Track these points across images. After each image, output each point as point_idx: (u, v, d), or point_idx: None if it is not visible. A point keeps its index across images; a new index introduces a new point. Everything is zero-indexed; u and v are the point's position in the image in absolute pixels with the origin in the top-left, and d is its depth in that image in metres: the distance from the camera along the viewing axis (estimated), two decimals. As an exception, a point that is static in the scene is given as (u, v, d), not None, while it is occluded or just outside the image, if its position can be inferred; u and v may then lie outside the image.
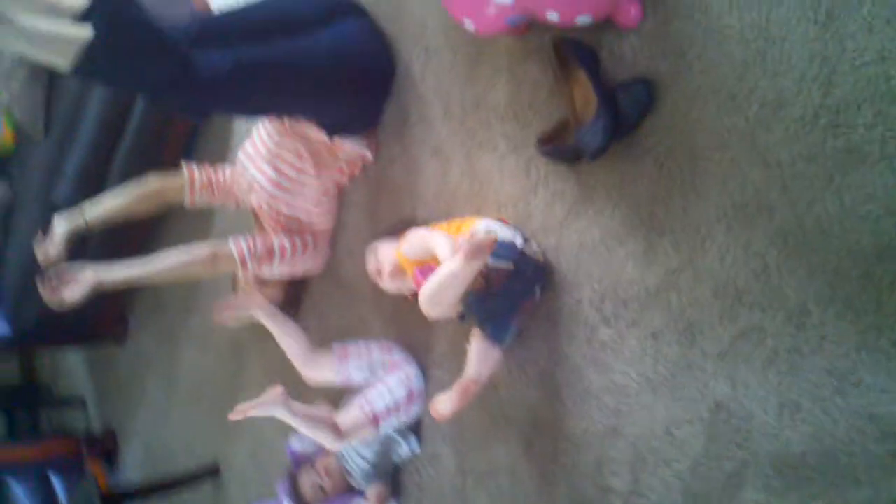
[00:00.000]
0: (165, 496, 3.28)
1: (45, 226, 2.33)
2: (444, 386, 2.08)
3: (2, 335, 3.41)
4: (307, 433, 1.97)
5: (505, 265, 1.74)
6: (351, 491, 2.26)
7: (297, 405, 1.97)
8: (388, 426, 2.09)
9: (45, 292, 2.15)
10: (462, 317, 1.78)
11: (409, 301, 2.07)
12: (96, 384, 4.22)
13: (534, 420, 1.87)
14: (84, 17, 1.82)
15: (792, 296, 1.40)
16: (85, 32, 1.72)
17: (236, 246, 2.28)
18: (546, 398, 1.84)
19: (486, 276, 1.73)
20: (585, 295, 1.74)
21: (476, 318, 1.78)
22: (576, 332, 1.77)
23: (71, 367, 4.52)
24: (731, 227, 1.47)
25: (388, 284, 2.04)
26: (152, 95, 1.92)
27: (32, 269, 3.15)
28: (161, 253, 2.24)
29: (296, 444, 2.40)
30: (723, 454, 1.51)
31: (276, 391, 1.95)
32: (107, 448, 3.93)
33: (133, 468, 3.83)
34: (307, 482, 2.28)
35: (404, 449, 2.16)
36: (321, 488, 2.26)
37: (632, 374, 1.66)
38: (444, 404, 1.75)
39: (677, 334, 1.56)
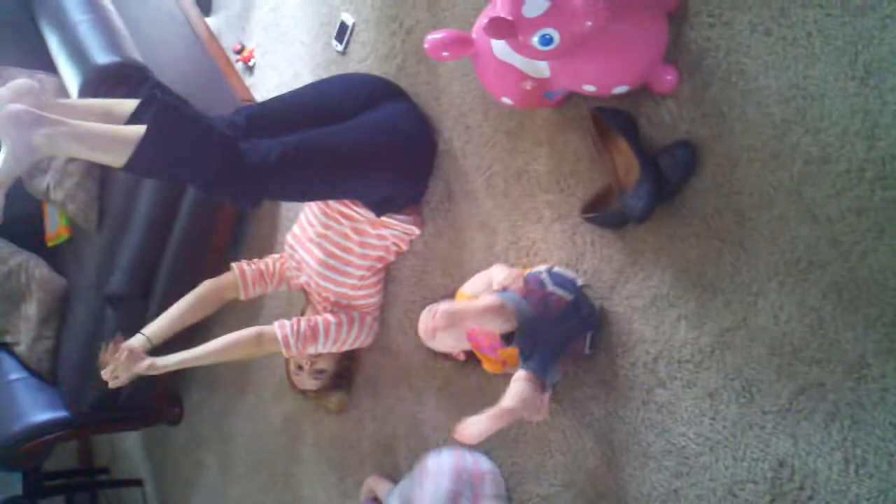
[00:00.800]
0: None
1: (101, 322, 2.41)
2: (505, 454, 2.09)
3: (60, 418, 3.47)
4: None
5: (564, 293, 1.77)
6: None
7: None
8: None
9: (104, 373, 2.27)
10: (507, 339, 1.72)
11: (462, 360, 2.10)
12: (153, 464, 4.26)
13: (593, 485, 1.86)
14: (136, 116, 1.91)
15: (850, 349, 1.39)
16: (138, 131, 1.81)
17: (280, 329, 2.36)
18: (604, 463, 1.83)
19: (546, 300, 1.75)
20: (639, 357, 1.74)
21: (524, 342, 1.69)
22: (631, 395, 1.77)
23: (128, 449, 4.57)
24: (784, 283, 1.47)
25: (441, 341, 1.90)
26: (204, 187, 2.00)
27: (88, 357, 3.24)
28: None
29: None
30: (789, 513, 1.49)
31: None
32: (165, 528, 3.96)
33: (191, 546, 3.84)
34: None
35: None
36: None
37: (690, 435, 1.65)
38: (474, 427, 1.65)
39: (735, 393, 1.56)
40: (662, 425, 1.70)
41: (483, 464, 2.09)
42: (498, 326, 1.72)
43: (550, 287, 1.79)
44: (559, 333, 1.74)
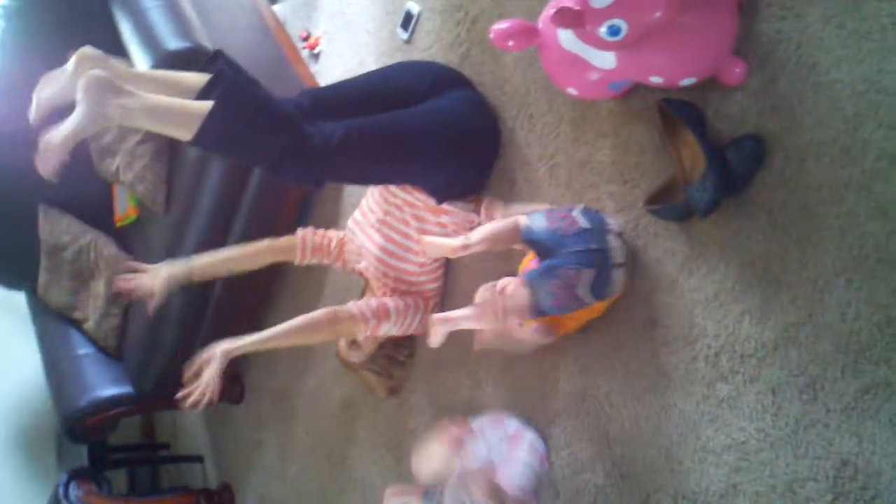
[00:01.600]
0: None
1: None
2: (561, 442, 2.10)
3: (125, 394, 3.57)
4: None
5: (581, 220, 1.81)
6: None
7: None
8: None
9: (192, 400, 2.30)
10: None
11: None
12: (213, 441, 4.34)
13: (651, 477, 1.86)
14: (205, 92, 1.96)
15: (918, 349, 1.37)
16: (206, 107, 1.85)
17: (356, 307, 2.36)
18: (662, 455, 1.83)
19: (563, 219, 1.82)
20: (700, 351, 1.74)
21: (526, 240, 1.87)
22: (691, 389, 1.76)
23: (189, 426, 4.67)
24: (852, 280, 1.45)
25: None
26: (268, 166, 2.03)
27: (153, 335, 3.32)
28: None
29: None
30: (850, 512, 1.47)
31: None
32: (223, 502, 4.02)
33: (249, 522, 3.93)
34: None
35: None
36: None
37: (751, 431, 1.64)
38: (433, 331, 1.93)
39: (798, 390, 1.55)
40: (723, 420, 1.69)
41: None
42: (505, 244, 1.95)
43: (575, 212, 1.84)
44: (561, 249, 1.79)
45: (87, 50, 1.94)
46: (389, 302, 2.40)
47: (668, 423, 1.82)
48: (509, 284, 1.99)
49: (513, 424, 2.16)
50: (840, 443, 1.49)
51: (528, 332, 1.91)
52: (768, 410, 1.60)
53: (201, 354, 2.30)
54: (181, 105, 1.88)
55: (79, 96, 1.82)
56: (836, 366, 1.49)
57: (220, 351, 2.30)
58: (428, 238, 2.02)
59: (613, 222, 1.86)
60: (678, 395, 1.79)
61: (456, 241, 1.95)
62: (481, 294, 2.08)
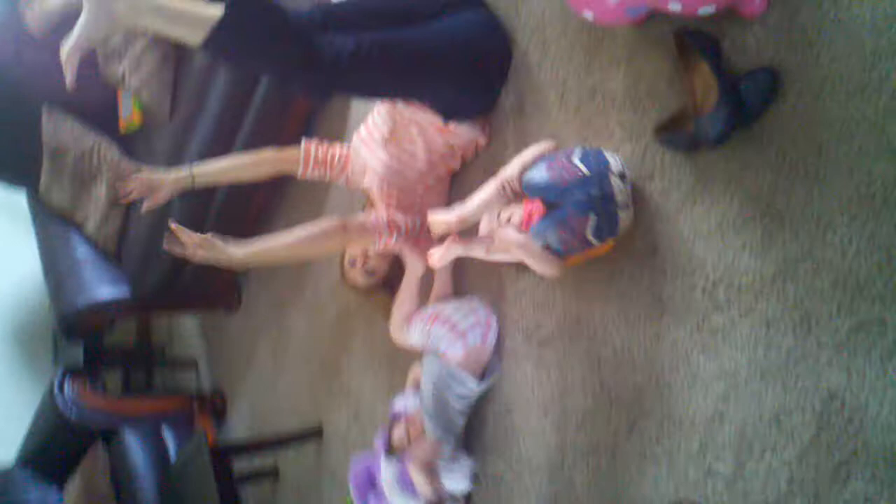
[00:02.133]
0: (270, 453, 3.43)
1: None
2: (552, 364, 2.14)
3: (122, 297, 3.61)
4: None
5: (581, 167, 1.80)
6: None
7: None
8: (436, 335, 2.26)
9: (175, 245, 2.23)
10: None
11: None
12: (208, 347, 4.40)
13: (639, 402, 1.90)
14: None
15: (916, 290, 1.39)
16: (216, 11, 1.83)
17: (366, 217, 2.37)
18: (652, 381, 1.87)
19: (563, 168, 1.82)
20: (699, 282, 1.76)
21: (528, 191, 1.88)
22: (686, 318, 1.79)
23: (185, 331, 4.72)
24: (856, 217, 1.46)
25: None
26: (277, 76, 2.02)
27: (152, 241, 3.33)
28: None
29: (398, 403, 2.47)
30: (833, 444, 1.51)
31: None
32: (216, 407, 4.10)
33: (240, 426, 3.99)
34: (397, 434, 2.36)
35: (466, 387, 2.25)
36: (407, 438, 2.32)
37: (742, 361, 1.67)
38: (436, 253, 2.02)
39: (792, 324, 1.57)
40: (715, 349, 1.72)
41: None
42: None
43: (575, 158, 1.82)
44: (563, 198, 1.81)
45: None
46: (398, 216, 2.41)
47: (660, 351, 1.85)
48: (514, 214, 2.02)
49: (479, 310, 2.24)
50: (829, 377, 1.51)
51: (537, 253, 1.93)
52: (761, 342, 1.63)
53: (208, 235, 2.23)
54: (193, 8, 1.85)
55: (85, 2, 1.78)
56: (832, 302, 1.51)
57: (226, 253, 2.22)
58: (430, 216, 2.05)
59: (615, 162, 1.84)
60: (672, 323, 1.82)
61: (450, 215, 1.97)
62: (486, 225, 2.10)
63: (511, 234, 1.91)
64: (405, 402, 2.47)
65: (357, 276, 2.64)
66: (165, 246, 2.20)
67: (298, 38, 1.96)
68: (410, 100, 2.27)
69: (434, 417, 2.22)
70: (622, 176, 1.82)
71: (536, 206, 1.97)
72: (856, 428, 1.47)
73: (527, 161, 1.92)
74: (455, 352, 2.22)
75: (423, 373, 2.28)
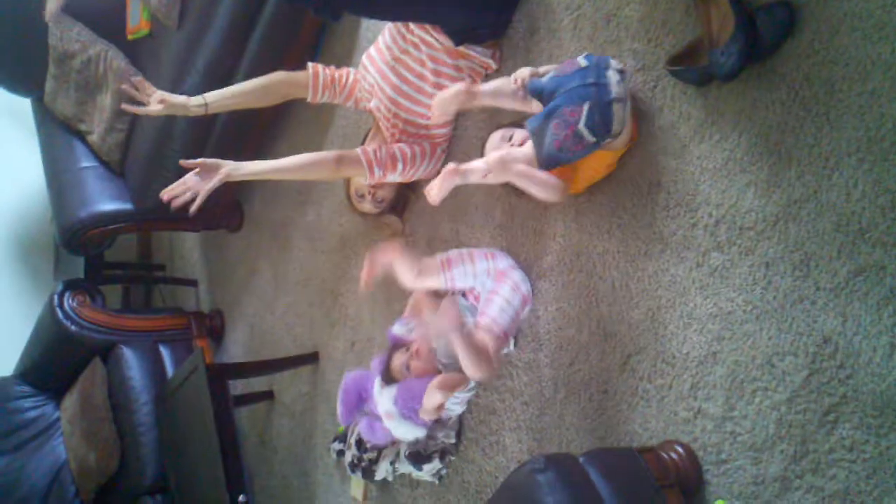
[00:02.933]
0: (266, 374, 3.45)
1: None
2: (550, 298, 2.13)
3: (125, 210, 3.60)
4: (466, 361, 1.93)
5: (582, 61, 1.80)
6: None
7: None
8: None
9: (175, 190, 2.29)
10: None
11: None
12: (209, 267, 4.40)
13: (634, 339, 1.89)
14: None
15: (918, 235, 1.37)
16: None
17: (363, 154, 2.35)
18: (648, 318, 1.86)
19: (563, 66, 1.83)
20: (700, 219, 1.73)
21: (532, 91, 1.88)
22: (686, 255, 1.77)
23: (186, 251, 4.72)
24: (864, 160, 1.43)
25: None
26: None
27: (156, 153, 3.31)
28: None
29: (397, 329, 2.44)
30: (823, 389, 1.50)
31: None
32: (214, 326, 4.11)
33: (237, 347, 4.02)
34: (397, 361, 2.33)
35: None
36: (407, 367, 2.30)
37: (738, 302, 1.66)
38: (433, 188, 1.93)
39: (792, 266, 1.55)
40: (712, 288, 1.71)
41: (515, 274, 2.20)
42: (514, 104, 1.93)
43: (579, 57, 1.82)
44: (559, 90, 1.80)
45: None
46: (397, 150, 2.39)
47: (657, 287, 1.83)
48: (517, 132, 1.99)
49: (503, 262, 2.20)
50: (824, 321, 1.50)
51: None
52: (759, 283, 1.62)
53: (206, 160, 2.27)
54: None
55: None
56: (833, 245, 1.49)
57: (224, 169, 2.27)
58: (436, 97, 2.02)
59: (616, 62, 1.80)
60: (672, 260, 1.80)
61: (460, 85, 1.95)
62: (492, 142, 2.07)
63: (508, 154, 1.87)
64: (405, 329, 2.46)
65: (366, 206, 2.62)
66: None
67: None
68: (423, 21, 2.23)
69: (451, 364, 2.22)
70: (621, 72, 1.79)
71: None
72: (847, 373, 1.47)
73: (541, 70, 1.92)
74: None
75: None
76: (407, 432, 2.30)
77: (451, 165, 1.89)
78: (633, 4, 1.89)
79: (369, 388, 2.41)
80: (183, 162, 2.26)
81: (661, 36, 1.83)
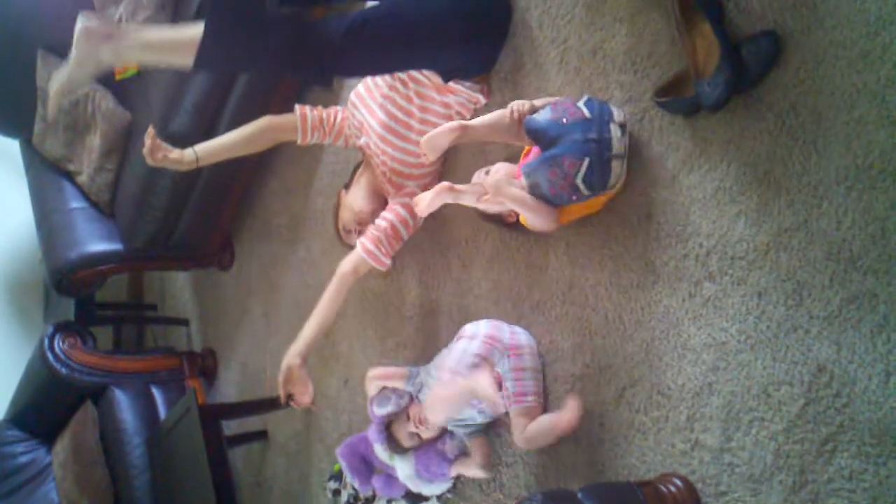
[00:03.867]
0: (259, 414, 3.42)
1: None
2: (543, 331, 2.12)
3: (115, 250, 3.58)
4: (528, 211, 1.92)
5: (583, 110, 1.80)
6: (442, 439, 2.30)
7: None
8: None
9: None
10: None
11: (512, 220, 2.09)
12: (200, 307, 4.38)
13: (628, 371, 1.88)
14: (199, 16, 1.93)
15: (910, 263, 1.37)
16: (197, 31, 1.84)
17: (368, 255, 2.40)
18: (642, 350, 1.85)
19: (567, 109, 1.82)
20: (692, 249, 1.73)
21: (528, 132, 1.87)
22: (678, 286, 1.76)
23: (177, 290, 4.70)
24: (852, 188, 1.44)
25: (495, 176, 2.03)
26: (273, 74, 2.02)
27: (145, 193, 3.30)
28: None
29: (377, 410, 2.33)
30: (820, 418, 1.49)
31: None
32: (206, 366, 4.08)
33: (229, 387, 3.98)
34: (402, 432, 2.28)
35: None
36: (418, 436, 2.27)
37: (732, 332, 1.65)
38: (424, 198, 1.94)
39: (784, 295, 1.55)
40: (706, 319, 1.70)
41: (521, 338, 2.12)
42: (507, 138, 1.95)
43: (580, 103, 1.83)
44: (561, 139, 1.79)
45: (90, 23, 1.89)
46: (396, 221, 2.41)
47: (651, 319, 1.83)
48: (501, 167, 2.00)
49: (507, 331, 2.17)
50: (819, 350, 1.50)
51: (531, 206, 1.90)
52: (752, 313, 1.61)
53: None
54: (174, 34, 1.89)
55: (73, 47, 1.83)
56: (824, 273, 1.48)
57: (287, 362, 2.51)
58: (426, 136, 2.00)
59: (618, 113, 1.83)
60: (664, 291, 1.79)
61: (453, 123, 1.94)
62: (476, 177, 2.08)
63: (504, 177, 1.88)
64: (384, 409, 2.36)
65: (354, 241, 2.61)
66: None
67: (286, 36, 1.95)
68: (411, 69, 2.25)
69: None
70: (622, 126, 1.80)
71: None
72: (843, 402, 1.46)
73: (537, 104, 1.92)
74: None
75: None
76: (434, 489, 2.32)
77: (445, 183, 1.90)
78: (619, 37, 1.91)
79: (369, 451, 2.40)
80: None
81: (647, 67, 1.84)
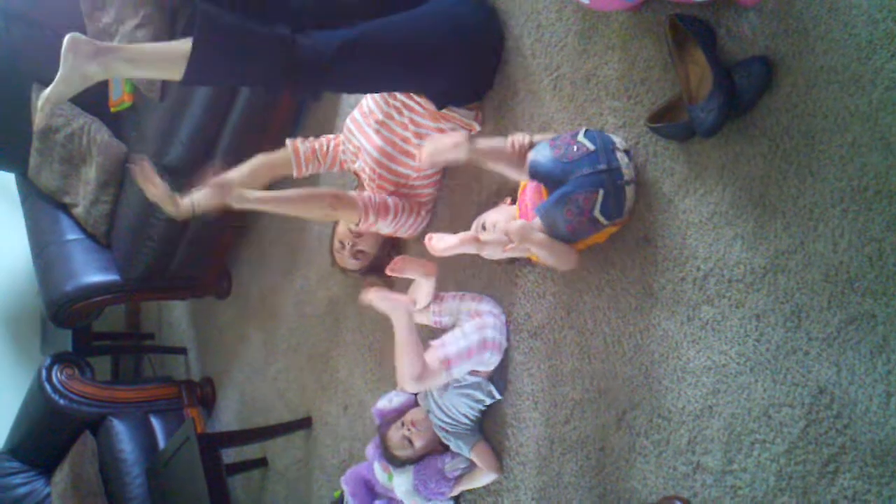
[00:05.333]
0: (258, 442, 3.41)
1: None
2: (542, 355, 2.12)
3: (112, 281, 3.58)
4: (402, 354, 1.96)
5: (587, 143, 1.79)
6: (440, 450, 2.32)
7: (415, 327, 1.99)
8: (460, 372, 2.11)
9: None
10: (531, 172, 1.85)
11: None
12: (198, 335, 4.37)
13: (628, 394, 1.88)
14: (188, 32, 1.94)
15: (907, 283, 1.37)
16: (186, 46, 1.85)
17: (359, 195, 2.34)
18: (641, 373, 1.85)
19: (569, 145, 1.81)
20: (689, 273, 1.74)
21: (534, 174, 1.85)
22: (677, 309, 1.77)
23: (175, 319, 4.70)
24: (848, 210, 1.45)
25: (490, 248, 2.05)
26: (262, 87, 2.03)
27: (142, 224, 3.31)
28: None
29: (381, 403, 2.47)
30: (821, 439, 1.49)
31: (408, 299, 1.98)
32: (205, 395, 4.07)
33: (228, 415, 3.97)
34: (395, 437, 2.34)
35: (482, 396, 2.21)
36: (409, 441, 2.31)
37: (731, 354, 1.65)
38: (442, 240, 1.93)
39: (783, 317, 1.55)
40: (705, 342, 1.71)
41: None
42: (508, 169, 1.91)
43: (580, 136, 1.81)
44: (569, 176, 1.77)
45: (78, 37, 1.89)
46: (389, 200, 2.40)
47: (650, 342, 1.83)
48: (487, 216, 2.01)
49: (485, 305, 2.22)
50: (819, 371, 1.50)
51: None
52: (751, 335, 1.62)
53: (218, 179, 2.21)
54: (163, 48, 1.90)
55: (61, 61, 1.84)
56: (822, 295, 1.49)
57: (234, 193, 2.16)
58: (427, 141, 1.93)
59: (620, 140, 1.83)
60: (663, 315, 1.80)
61: (458, 136, 1.88)
62: (474, 228, 2.08)
63: (527, 224, 1.85)
64: (389, 403, 2.44)
65: (346, 259, 2.62)
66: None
67: (275, 49, 1.95)
68: (403, 90, 2.25)
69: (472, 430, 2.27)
70: (627, 152, 1.82)
71: (528, 199, 1.96)
72: (844, 423, 1.46)
73: (536, 139, 1.91)
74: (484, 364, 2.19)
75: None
76: None
77: (471, 233, 1.91)
78: (612, 63, 1.92)
79: (371, 477, 2.41)
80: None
81: (640, 93, 1.86)
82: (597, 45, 1.96)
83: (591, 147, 1.78)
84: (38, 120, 2.01)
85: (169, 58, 1.87)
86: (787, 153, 1.55)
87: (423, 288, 2.26)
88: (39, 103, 1.90)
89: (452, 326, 2.22)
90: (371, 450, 2.49)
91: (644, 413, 1.84)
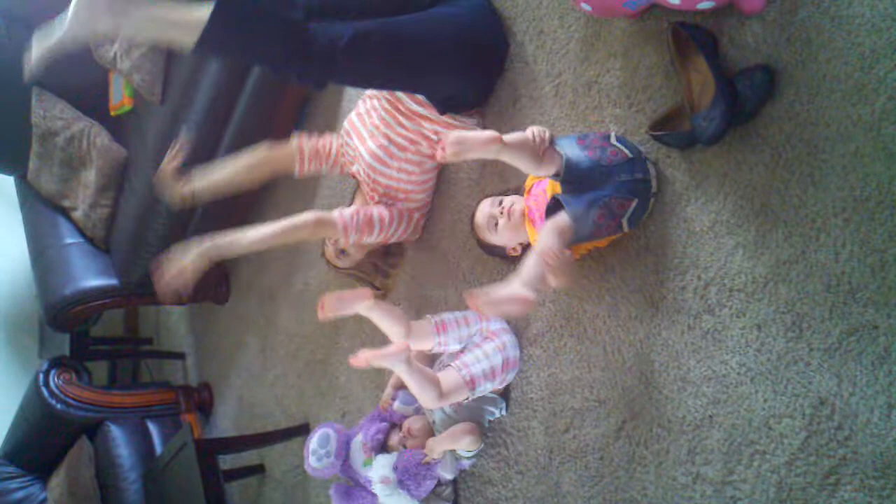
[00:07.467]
0: (256, 448, 3.40)
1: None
2: (541, 364, 2.11)
3: (110, 286, 3.58)
4: (415, 390, 1.98)
5: (624, 150, 1.77)
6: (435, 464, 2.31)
7: (416, 363, 1.97)
8: (483, 391, 2.10)
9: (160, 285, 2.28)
10: (558, 175, 1.76)
11: (515, 254, 2.11)
12: (196, 340, 4.37)
13: (628, 404, 1.87)
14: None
15: (909, 295, 1.36)
16: (204, 13, 1.84)
17: (340, 217, 2.35)
18: (642, 382, 1.84)
19: (604, 148, 1.77)
20: (690, 282, 1.73)
21: (569, 179, 1.75)
22: (677, 319, 1.76)
23: (173, 324, 4.69)
24: (850, 220, 1.44)
25: (502, 232, 2.08)
26: (271, 68, 2.02)
27: (141, 228, 3.30)
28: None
29: (398, 406, 2.46)
30: (822, 451, 1.48)
31: (403, 345, 1.96)
32: (202, 400, 4.07)
33: (226, 421, 3.96)
34: (394, 440, 2.38)
35: (493, 409, 2.20)
36: (404, 446, 2.33)
37: (732, 364, 1.64)
38: (486, 301, 1.65)
39: (784, 327, 1.54)
40: (705, 351, 1.70)
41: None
42: (527, 164, 1.74)
43: (613, 140, 1.79)
44: (604, 179, 1.74)
45: None
46: (375, 212, 2.40)
47: (650, 351, 1.82)
48: (506, 199, 2.00)
49: (496, 324, 2.19)
50: (820, 382, 1.49)
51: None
52: (752, 345, 1.61)
53: (186, 248, 2.26)
54: (181, 13, 1.87)
55: (71, 9, 1.81)
56: (824, 305, 1.48)
57: (200, 250, 2.26)
58: (453, 132, 1.71)
59: (645, 150, 1.82)
60: (663, 324, 1.79)
61: (490, 133, 1.70)
62: (482, 211, 2.08)
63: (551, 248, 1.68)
64: (402, 404, 2.45)
65: (331, 256, 2.64)
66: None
67: (289, 30, 1.95)
68: (406, 89, 2.25)
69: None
70: (655, 164, 1.81)
71: (536, 200, 1.95)
72: (845, 434, 1.45)
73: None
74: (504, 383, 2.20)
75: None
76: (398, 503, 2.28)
77: (527, 294, 1.66)
78: (614, 71, 1.92)
79: (345, 450, 2.43)
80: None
81: (642, 101, 1.85)
82: (599, 53, 1.96)
83: (629, 154, 1.77)
84: (33, 68, 1.95)
85: (185, 22, 1.86)
86: (789, 162, 1.54)
87: (384, 323, 2.14)
88: (37, 49, 1.87)
89: (462, 349, 2.19)
90: (365, 422, 2.48)
91: (644, 422, 1.83)
